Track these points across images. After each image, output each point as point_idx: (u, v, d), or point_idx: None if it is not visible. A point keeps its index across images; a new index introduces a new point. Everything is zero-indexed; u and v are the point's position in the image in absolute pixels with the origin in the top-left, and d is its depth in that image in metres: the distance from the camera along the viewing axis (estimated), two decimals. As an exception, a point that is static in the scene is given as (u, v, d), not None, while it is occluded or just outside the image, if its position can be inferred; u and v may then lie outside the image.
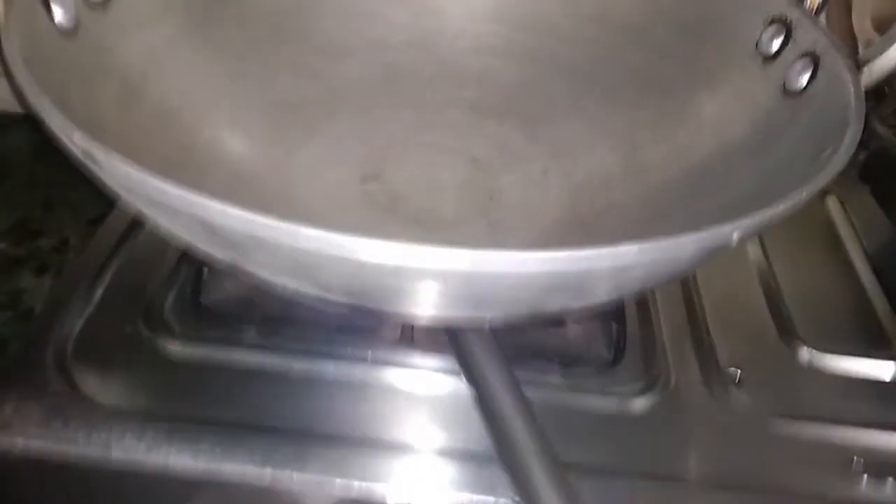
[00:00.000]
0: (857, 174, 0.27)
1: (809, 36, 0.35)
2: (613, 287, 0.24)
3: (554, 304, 0.24)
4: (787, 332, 0.38)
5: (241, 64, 0.39)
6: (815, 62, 0.34)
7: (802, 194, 0.22)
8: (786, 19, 0.36)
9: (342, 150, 0.40)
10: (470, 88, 0.44)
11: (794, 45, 0.35)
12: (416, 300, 0.23)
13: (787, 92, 0.35)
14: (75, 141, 0.21)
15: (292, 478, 0.28)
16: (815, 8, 0.36)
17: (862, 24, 0.51)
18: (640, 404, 0.33)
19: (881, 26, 0.51)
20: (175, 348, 0.32)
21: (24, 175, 0.47)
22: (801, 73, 0.34)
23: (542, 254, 0.19)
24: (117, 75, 0.34)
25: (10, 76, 0.25)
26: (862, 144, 0.27)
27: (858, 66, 0.31)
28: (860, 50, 0.51)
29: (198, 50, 0.38)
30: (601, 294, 0.24)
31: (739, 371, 0.35)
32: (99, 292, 0.34)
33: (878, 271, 0.42)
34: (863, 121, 0.27)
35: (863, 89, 0.30)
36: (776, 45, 0.36)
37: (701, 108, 0.38)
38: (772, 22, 0.37)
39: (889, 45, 0.30)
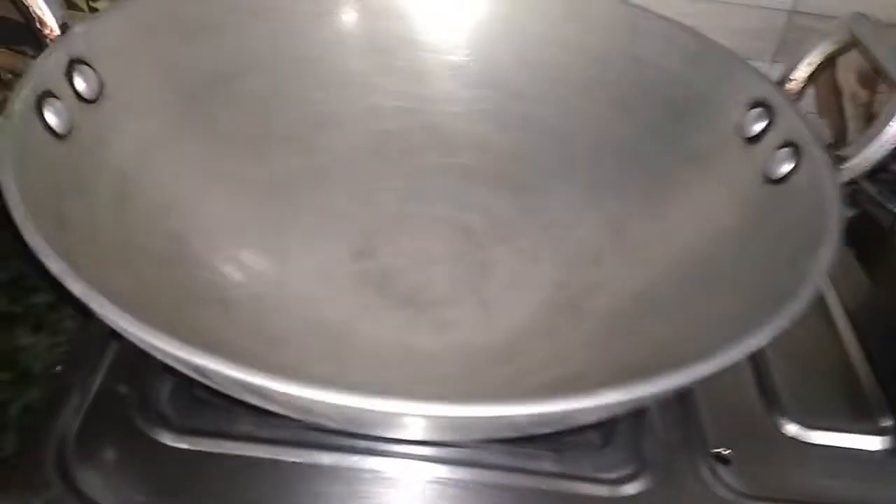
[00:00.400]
0: (843, 237, 0.28)
1: (791, 124, 0.36)
2: (595, 417, 0.24)
3: (537, 431, 0.25)
4: (774, 408, 0.38)
5: (231, 146, 0.40)
6: (797, 153, 0.34)
7: (756, 341, 0.23)
8: (768, 103, 0.37)
9: (334, 226, 0.41)
10: (461, 155, 0.45)
11: (776, 131, 0.36)
12: (404, 431, 0.24)
13: (769, 179, 0.35)
14: (74, 291, 0.22)
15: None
16: (797, 91, 0.37)
17: (846, 77, 0.52)
18: (630, 489, 0.34)
19: (866, 81, 0.52)
20: (172, 441, 0.33)
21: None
22: (782, 162, 0.35)
23: (520, 407, 0.20)
24: (111, 171, 0.34)
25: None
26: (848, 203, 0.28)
27: (839, 160, 0.32)
28: (845, 104, 0.52)
29: (188, 136, 0.38)
30: (584, 421, 0.25)
31: (728, 451, 0.36)
32: (96, 383, 0.34)
33: (862, 339, 0.42)
34: (837, 237, 0.28)
35: (841, 192, 0.31)
36: (758, 128, 0.37)
37: (686, 187, 0.39)
38: (754, 105, 0.38)
39: (868, 143, 0.31)
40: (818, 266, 0.26)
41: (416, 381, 0.31)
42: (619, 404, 0.21)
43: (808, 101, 0.44)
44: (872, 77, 0.51)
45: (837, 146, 0.33)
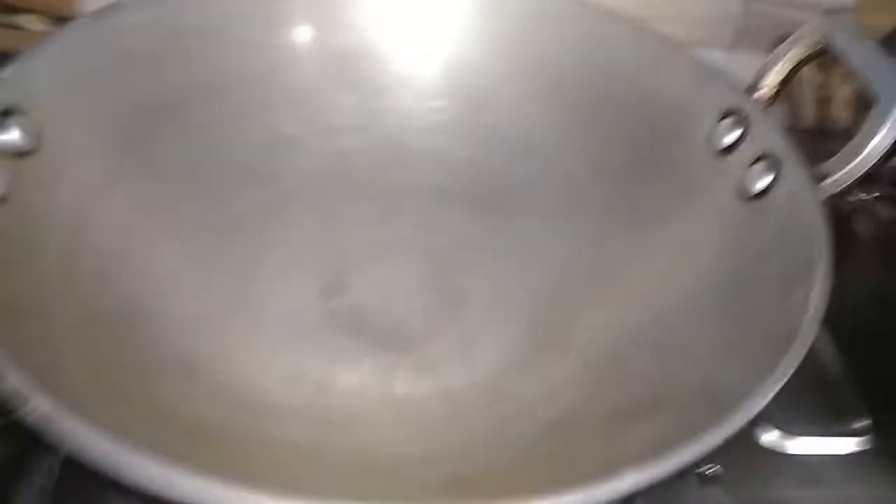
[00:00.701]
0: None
1: (765, 134, 0.35)
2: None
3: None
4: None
5: (182, 183, 0.37)
6: (774, 166, 0.34)
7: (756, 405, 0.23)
8: (739, 113, 0.36)
9: (299, 261, 0.39)
10: (425, 173, 0.43)
11: (749, 143, 0.35)
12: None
13: (746, 196, 0.35)
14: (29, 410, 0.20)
15: None
16: (768, 98, 0.36)
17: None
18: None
19: (820, 63, 0.51)
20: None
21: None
22: (759, 177, 0.34)
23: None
24: (56, 228, 0.32)
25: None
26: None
27: (819, 177, 0.31)
28: (800, 86, 0.51)
29: (136, 179, 0.36)
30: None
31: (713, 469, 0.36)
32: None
33: (833, 336, 0.43)
34: (826, 270, 0.27)
35: (824, 213, 0.30)
36: (730, 139, 0.36)
37: (661, 204, 0.38)
38: (725, 115, 0.37)
39: (849, 159, 0.31)
40: (808, 313, 0.26)
41: (402, 441, 0.30)
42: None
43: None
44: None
45: (817, 162, 0.33)
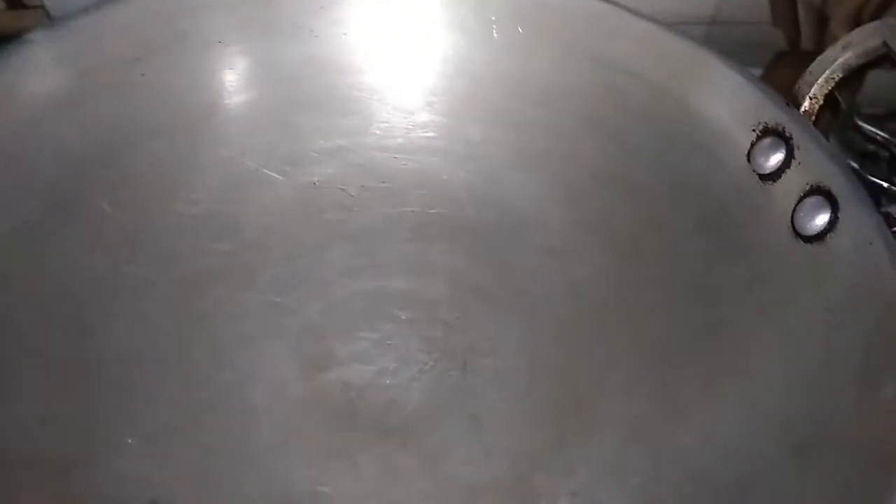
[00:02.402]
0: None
1: (815, 161, 0.30)
2: None
3: None
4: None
5: (130, 244, 0.31)
6: (830, 204, 0.29)
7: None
8: (781, 132, 0.31)
9: (276, 330, 0.33)
10: (409, 202, 0.37)
11: (797, 170, 0.30)
12: None
13: (799, 234, 0.30)
14: None
15: None
16: (814, 113, 0.31)
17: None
18: None
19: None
20: None
21: None
22: (813, 214, 0.29)
23: None
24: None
25: None
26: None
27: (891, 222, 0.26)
28: (798, 9, 0.46)
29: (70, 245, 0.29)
30: None
31: None
32: None
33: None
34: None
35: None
36: (773, 163, 0.31)
37: (696, 239, 0.33)
38: (765, 132, 0.31)
39: None
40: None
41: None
42: None
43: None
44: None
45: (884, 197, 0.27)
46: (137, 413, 0.29)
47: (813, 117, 0.31)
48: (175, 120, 0.34)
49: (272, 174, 0.36)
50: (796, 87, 0.31)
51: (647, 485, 0.27)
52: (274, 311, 0.33)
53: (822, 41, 0.46)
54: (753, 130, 0.31)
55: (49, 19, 0.37)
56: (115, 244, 0.32)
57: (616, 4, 0.35)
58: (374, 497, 0.29)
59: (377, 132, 0.38)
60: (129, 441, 0.28)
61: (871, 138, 0.32)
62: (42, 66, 0.30)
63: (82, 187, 0.31)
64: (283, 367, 0.32)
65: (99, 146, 0.32)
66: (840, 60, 0.30)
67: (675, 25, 0.34)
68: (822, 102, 0.31)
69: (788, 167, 0.30)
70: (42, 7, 0.37)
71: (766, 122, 0.31)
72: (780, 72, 0.39)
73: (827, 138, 0.30)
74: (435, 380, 0.32)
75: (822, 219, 0.29)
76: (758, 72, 0.37)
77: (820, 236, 0.29)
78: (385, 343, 0.33)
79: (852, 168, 0.29)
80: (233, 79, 0.35)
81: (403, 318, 0.34)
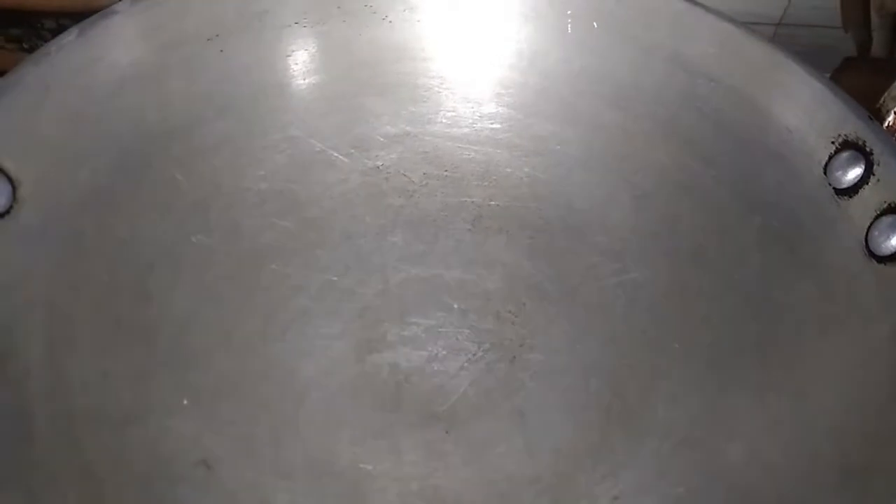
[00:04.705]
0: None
1: (894, 177, 0.28)
2: None
3: None
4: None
5: (196, 214, 0.32)
6: (909, 224, 0.27)
7: None
8: (861, 146, 0.29)
9: (331, 309, 0.33)
10: (471, 192, 0.37)
11: (875, 187, 0.29)
12: None
13: (873, 254, 0.28)
14: None
15: None
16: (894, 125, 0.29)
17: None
18: None
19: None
20: None
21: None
22: (888, 234, 0.28)
23: None
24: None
25: None
26: None
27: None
28: (872, 14, 0.44)
29: (138, 209, 0.31)
30: None
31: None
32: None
33: None
34: None
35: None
36: (851, 177, 0.30)
37: (763, 250, 0.32)
38: (844, 146, 0.30)
39: None
40: None
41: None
42: None
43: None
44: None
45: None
46: (192, 377, 0.30)
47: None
48: (248, 98, 0.35)
49: (338, 156, 0.37)
50: (881, 100, 0.29)
51: (690, 496, 0.27)
52: (331, 290, 0.34)
53: (894, 48, 0.45)
54: (833, 143, 0.30)
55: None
56: (183, 214, 0.33)
57: (696, 3, 0.34)
58: (414, 479, 0.29)
59: (444, 121, 0.38)
60: (185, 402, 0.28)
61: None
62: (126, 38, 0.31)
63: (156, 157, 0.32)
64: (335, 345, 0.32)
65: (174, 119, 0.33)
66: (931, 73, 0.29)
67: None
68: (908, 117, 0.29)
69: (866, 183, 0.29)
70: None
71: (846, 135, 0.30)
72: (849, 79, 0.37)
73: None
74: (483, 370, 0.32)
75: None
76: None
77: (894, 257, 0.27)
78: (437, 330, 0.33)
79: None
80: (306, 60, 0.36)
81: (456, 307, 0.34)
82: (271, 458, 0.28)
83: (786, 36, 0.44)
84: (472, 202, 0.37)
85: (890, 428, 0.24)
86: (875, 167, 0.29)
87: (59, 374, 0.26)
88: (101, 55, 0.30)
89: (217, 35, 0.33)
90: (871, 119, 0.29)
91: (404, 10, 0.36)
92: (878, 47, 0.45)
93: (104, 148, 0.30)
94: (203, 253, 0.33)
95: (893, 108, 0.29)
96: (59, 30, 0.38)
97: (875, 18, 0.45)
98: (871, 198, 0.29)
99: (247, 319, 0.32)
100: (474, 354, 0.33)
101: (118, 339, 0.29)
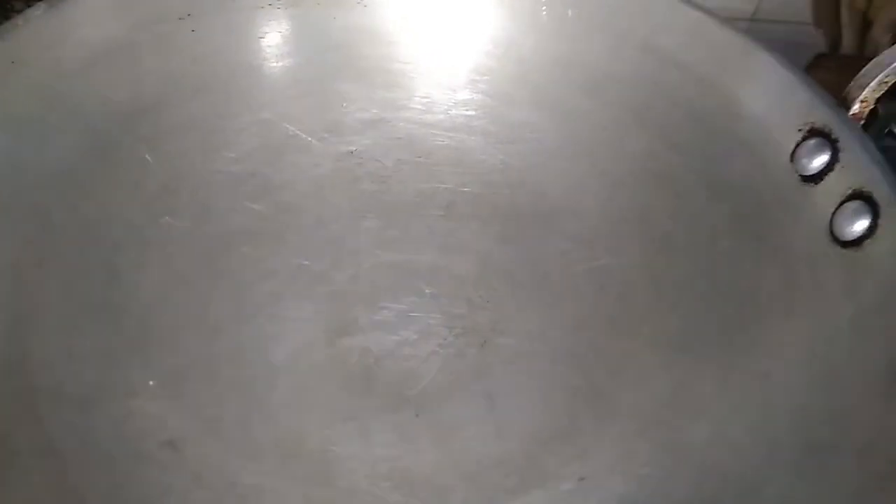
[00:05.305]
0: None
1: (859, 165, 0.29)
2: None
3: None
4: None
5: (167, 196, 0.32)
6: (871, 210, 0.28)
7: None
8: (828, 133, 0.30)
9: (302, 292, 0.33)
10: (446, 178, 0.37)
11: (840, 174, 0.29)
12: None
13: (838, 240, 0.29)
14: None
15: None
16: (864, 115, 0.30)
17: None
18: None
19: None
20: None
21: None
22: (852, 219, 0.28)
23: None
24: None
25: None
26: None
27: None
28: (841, 11, 0.45)
29: (107, 189, 0.30)
30: None
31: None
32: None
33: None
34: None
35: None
36: (816, 165, 0.30)
37: (729, 236, 0.32)
38: (811, 133, 0.30)
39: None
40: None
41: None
42: None
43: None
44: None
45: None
46: (158, 358, 0.29)
47: (862, 121, 0.30)
48: (220, 79, 0.34)
49: (311, 140, 0.37)
50: (847, 89, 0.30)
51: (655, 475, 0.27)
52: (302, 273, 0.34)
53: (863, 45, 0.46)
54: (800, 130, 0.31)
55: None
56: (153, 195, 0.33)
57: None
58: (383, 462, 0.29)
59: (418, 107, 0.38)
60: (151, 383, 0.28)
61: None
62: (98, 16, 0.31)
63: (125, 136, 0.32)
64: (305, 328, 0.32)
65: (145, 98, 0.33)
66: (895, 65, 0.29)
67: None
68: (872, 106, 0.30)
69: (831, 170, 0.30)
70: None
71: (813, 123, 0.30)
72: (819, 74, 0.38)
73: (876, 145, 0.30)
74: (453, 355, 0.32)
75: (861, 224, 0.28)
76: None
77: (857, 242, 0.28)
78: (408, 315, 0.33)
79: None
80: (279, 42, 0.36)
81: (428, 292, 0.34)
82: (239, 440, 0.28)
83: (758, 31, 0.44)
84: (446, 188, 0.37)
85: (850, 407, 0.24)
86: (840, 153, 0.29)
87: (24, 351, 0.26)
88: (71, 31, 0.30)
89: (189, 14, 0.33)
90: (838, 107, 0.30)
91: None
92: (847, 44, 0.46)
93: (72, 126, 0.30)
94: (173, 234, 0.33)
95: (859, 96, 0.30)
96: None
97: (845, 16, 0.46)
98: (835, 184, 0.29)
99: (216, 302, 0.32)
100: (445, 339, 0.33)
101: (84, 318, 0.28)
